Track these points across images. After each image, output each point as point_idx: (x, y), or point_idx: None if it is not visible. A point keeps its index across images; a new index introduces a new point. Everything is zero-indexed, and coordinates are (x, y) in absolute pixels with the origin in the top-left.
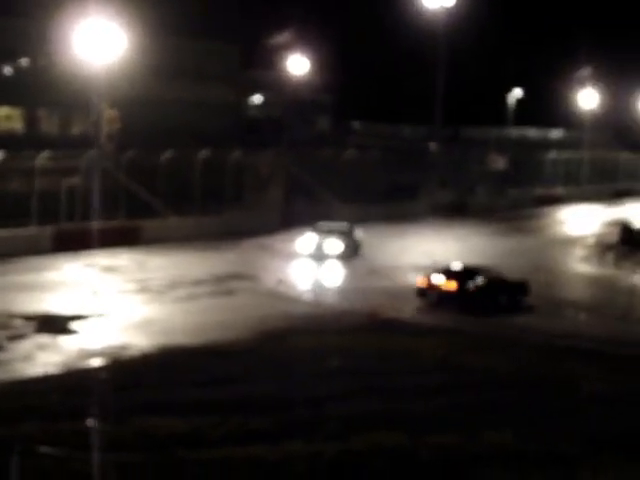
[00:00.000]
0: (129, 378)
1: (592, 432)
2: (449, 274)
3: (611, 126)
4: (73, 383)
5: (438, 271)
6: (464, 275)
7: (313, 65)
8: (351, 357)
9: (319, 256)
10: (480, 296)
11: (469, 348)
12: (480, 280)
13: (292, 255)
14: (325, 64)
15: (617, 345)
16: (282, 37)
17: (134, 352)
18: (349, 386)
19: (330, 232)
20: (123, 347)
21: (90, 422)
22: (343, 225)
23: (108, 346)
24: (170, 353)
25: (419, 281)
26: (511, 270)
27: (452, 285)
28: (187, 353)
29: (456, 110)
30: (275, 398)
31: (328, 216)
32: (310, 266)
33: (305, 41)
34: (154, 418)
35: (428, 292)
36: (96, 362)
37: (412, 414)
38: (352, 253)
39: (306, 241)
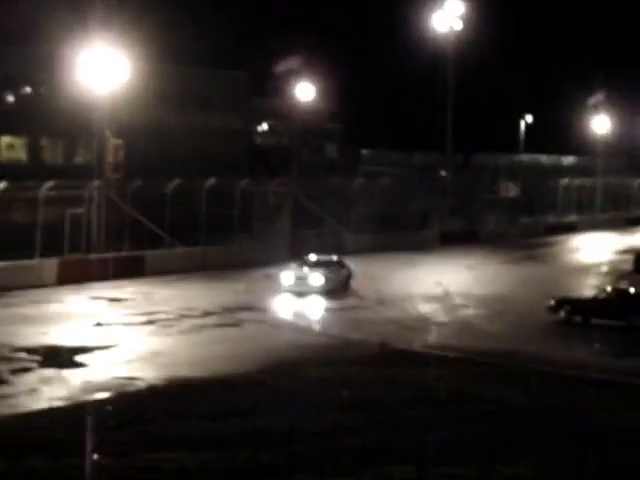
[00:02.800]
0: (135, 411)
1: (607, 464)
2: None
3: (624, 152)
4: (78, 417)
5: None
6: None
7: (321, 92)
8: (362, 389)
9: (301, 290)
10: None
11: (481, 378)
12: None
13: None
14: (333, 90)
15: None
16: (290, 64)
17: (140, 385)
18: (360, 418)
19: (316, 265)
20: (129, 380)
21: (95, 457)
22: (331, 258)
23: (114, 379)
24: (177, 386)
25: None
26: (522, 299)
27: None
28: (195, 385)
29: (467, 137)
30: (285, 431)
31: (337, 246)
32: (317, 297)
33: (313, 68)
34: (161, 452)
35: None
36: (101, 395)
37: (424, 446)
38: (339, 287)
39: (289, 275)
